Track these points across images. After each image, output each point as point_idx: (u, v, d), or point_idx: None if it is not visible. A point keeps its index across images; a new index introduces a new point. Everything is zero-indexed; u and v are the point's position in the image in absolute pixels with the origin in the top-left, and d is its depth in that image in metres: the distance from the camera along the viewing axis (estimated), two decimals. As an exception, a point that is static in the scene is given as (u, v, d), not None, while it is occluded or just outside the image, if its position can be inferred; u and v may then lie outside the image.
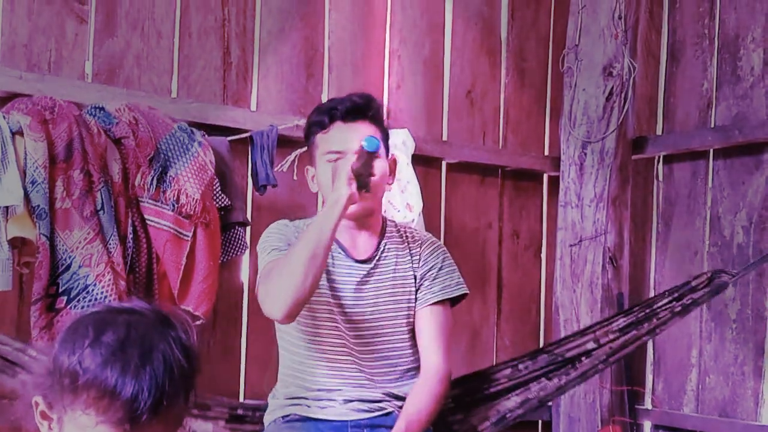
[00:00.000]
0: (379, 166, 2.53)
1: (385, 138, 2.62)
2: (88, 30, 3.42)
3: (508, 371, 2.90)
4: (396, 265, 2.63)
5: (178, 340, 1.38)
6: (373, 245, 2.62)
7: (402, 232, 2.68)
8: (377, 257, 2.61)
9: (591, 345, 2.92)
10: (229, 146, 3.44)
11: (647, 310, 2.97)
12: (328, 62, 3.93)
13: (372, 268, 2.60)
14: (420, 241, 2.67)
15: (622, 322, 2.96)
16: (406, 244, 2.65)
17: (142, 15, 3.53)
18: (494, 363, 3.94)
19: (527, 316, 4.58)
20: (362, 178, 2.45)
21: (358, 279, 2.59)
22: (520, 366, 2.90)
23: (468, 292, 2.70)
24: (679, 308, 2.94)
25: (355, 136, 2.51)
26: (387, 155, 2.61)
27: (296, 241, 2.47)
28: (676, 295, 2.97)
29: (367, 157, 2.44)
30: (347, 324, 2.58)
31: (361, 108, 2.57)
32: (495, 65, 4.47)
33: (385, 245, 2.63)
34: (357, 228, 2.61)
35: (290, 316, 2.43)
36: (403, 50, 4.17)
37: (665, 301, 2.97)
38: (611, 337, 2.93)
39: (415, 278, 2.63)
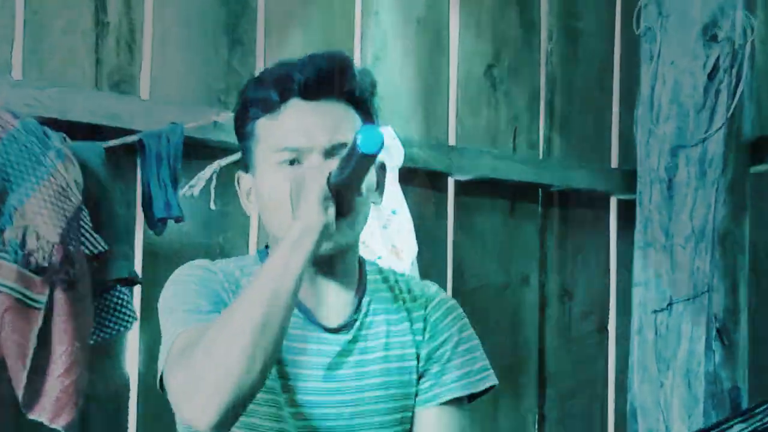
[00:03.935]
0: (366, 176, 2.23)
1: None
2: None
3: None
4: (388, 336, 2.25)
5: None
6: (349, 303, 2.24)
7: (391, 282, 2.29)
8: (359, 323, 2.23)
9: None
10: (105, 157, 3.08)
11: None
12: (265, 20, 3.44)
13: (351, 341, 2.22)
14: (423, 297, 2.28)
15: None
16: (400, 302, 2.27)
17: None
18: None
19: (587, 425, 4.06)
20: (346, 198, 2.05)
21: (330, 359, 2.21)
22: None
23: (497, 383, 2.31)
24: None
25: (323, 122, 2.14)
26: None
27: (236, 300, 2.08)
28: None
29: (361, 163, 1.98)
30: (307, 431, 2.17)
31: (331, 76, 2.13)
32: (531, 26, 3.98)
33: (369, 303, 2.25)
34: (325, 276, 2.23)
35: (224, 426, 1.98)
36: (383, 3, 3.69)
37: None
38: None
39: (418, 358, 2.25)
